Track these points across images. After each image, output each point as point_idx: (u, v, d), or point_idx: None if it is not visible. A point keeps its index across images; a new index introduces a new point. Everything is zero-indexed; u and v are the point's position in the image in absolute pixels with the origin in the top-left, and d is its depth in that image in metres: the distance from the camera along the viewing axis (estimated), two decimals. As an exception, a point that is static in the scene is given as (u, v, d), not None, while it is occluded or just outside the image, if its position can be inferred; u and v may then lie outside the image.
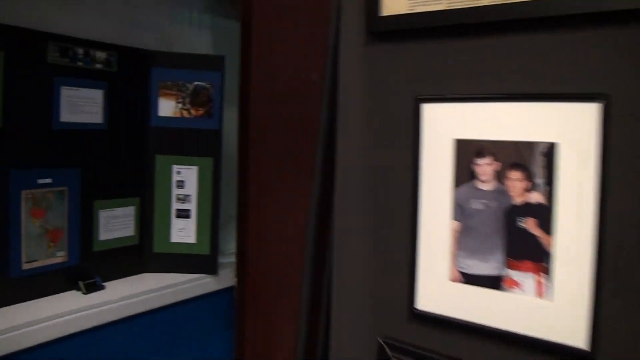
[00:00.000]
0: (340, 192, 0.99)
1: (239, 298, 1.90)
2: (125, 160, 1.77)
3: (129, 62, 1.75)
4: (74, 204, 1.63)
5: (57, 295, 1.59)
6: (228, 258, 1.99)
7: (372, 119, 0.93)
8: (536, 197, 0.75)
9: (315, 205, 1.63)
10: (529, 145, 0.75)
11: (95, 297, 1.60)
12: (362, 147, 0.95)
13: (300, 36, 1.77)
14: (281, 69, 1.80)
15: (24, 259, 1.51)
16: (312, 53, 1.74)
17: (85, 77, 1.64)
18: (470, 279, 0.81)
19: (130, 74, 1.76)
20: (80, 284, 1.62)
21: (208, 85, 1.85)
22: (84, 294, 1.61)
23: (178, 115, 1.83)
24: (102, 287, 1.66)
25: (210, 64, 1.86)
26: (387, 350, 0.90)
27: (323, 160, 1.60)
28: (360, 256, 0.95)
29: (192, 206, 1.86)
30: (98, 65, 1.67)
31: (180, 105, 1.83)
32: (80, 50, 1.62)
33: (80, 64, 1.62)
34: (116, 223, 1.75)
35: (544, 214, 0.74)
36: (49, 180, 1.56)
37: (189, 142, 1.85)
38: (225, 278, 1.92)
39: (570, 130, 0.72)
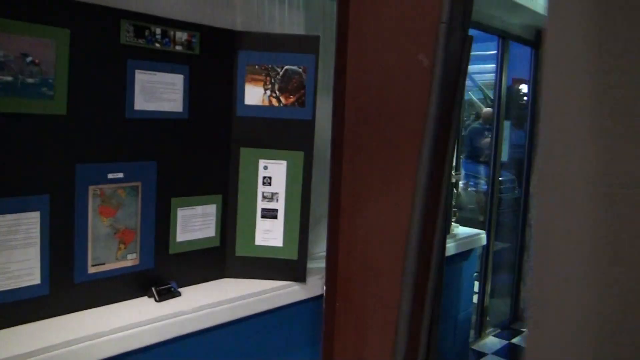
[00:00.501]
0: (545, 198, 0.58)
1: (327, 307, 1.56)
2: (206, 154, 1.45)
3: (213, 43, 1.43)
4: (148, 201, 1.33)
5: (126, 303, 1.32)
6: (316, 262, 1.64)
7: (607, 97, 0.50)
8: None
9: (420, 205, 1.29)
10: None
11: (170, 305, 1.33)
12: (587, 141, 0.53)
13: (403, 12, 1.38)
14: (381, 50, 1.42)
15: (90, 262, 1.24)
16: (418, 31, 1.35)
17: (163, 61, 1.33)
18: None
19: (214, 57, 1.43)
20: (153, 290, 1.34)
21: (300, 70, 1.48)
22: (156, 301, 1.33)
23: (266, 104, 1.49)
24: (177, 294, 1.37)
25: (303, 45, 1.50)
26: None
27: (431, 152, 1.27)
28: (576, 307, 0.54)
29: (279, 206, 1.52)
30: (178, 47, 1.35)
31: (268, 93, 1.47)
32: (158, 30, 1.31)
33: (157, 45, 1.31)
34: (195, 223, 1.43)
35: None
36: (120, 175, 1.27)
37: (277, 134, 1.52)
38: (314, 286, 1.59)
39: None
